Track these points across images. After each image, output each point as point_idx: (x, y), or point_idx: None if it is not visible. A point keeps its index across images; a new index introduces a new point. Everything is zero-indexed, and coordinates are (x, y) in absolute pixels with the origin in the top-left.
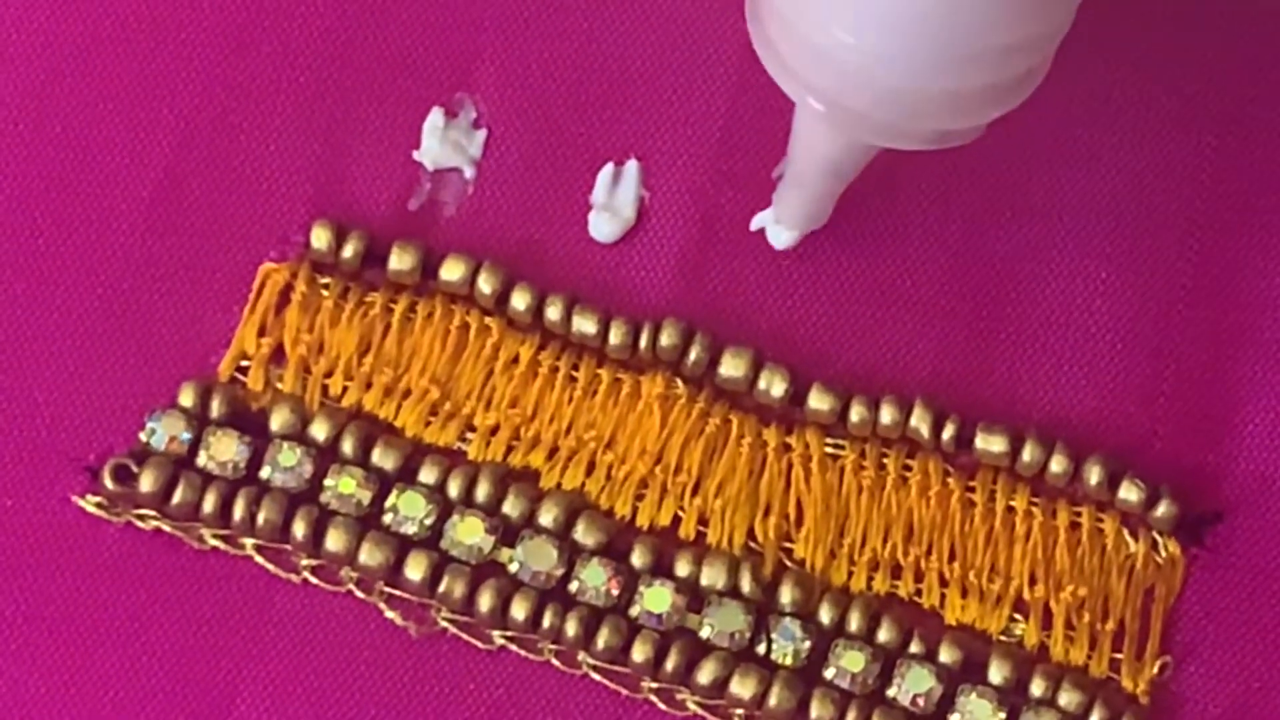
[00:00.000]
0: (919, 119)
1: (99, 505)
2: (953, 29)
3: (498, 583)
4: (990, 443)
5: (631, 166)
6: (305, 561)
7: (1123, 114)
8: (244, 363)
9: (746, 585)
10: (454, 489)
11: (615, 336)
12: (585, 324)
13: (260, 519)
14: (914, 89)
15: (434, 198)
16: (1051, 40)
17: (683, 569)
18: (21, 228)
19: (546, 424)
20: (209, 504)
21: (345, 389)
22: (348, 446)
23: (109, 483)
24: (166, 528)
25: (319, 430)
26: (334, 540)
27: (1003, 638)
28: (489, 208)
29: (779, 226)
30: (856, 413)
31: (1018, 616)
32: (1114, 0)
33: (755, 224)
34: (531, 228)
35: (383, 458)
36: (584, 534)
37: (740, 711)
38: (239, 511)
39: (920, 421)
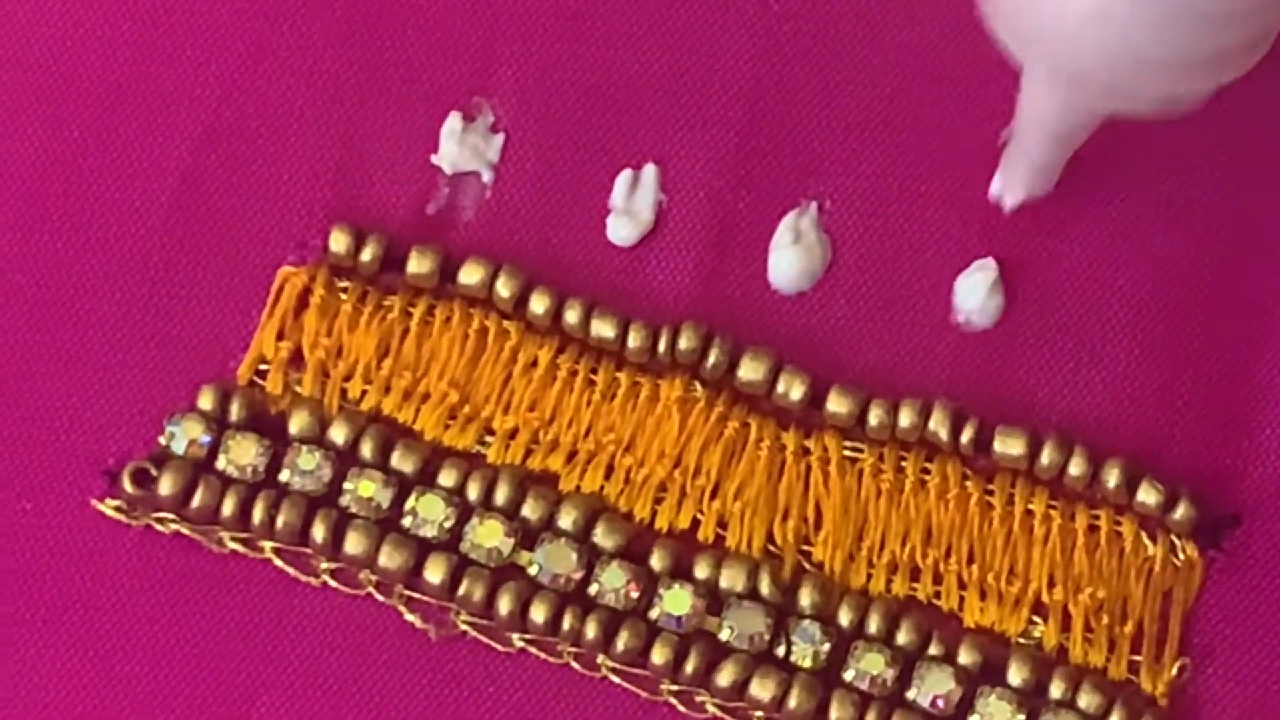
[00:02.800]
0: (1145, 82)
1: (118, 509)
2: None
3: (517, 585)
4: (1009, 445)
5: (649, 170)
6: (325, 564)
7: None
8: (263, 366)
9: (766, 588)
10: (473, 492)
11: (634, 340)
12: (604, 328)
13: (280, 522)
14: (1141, 49)
15: (452, 202)
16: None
17: (702, 572)
18: (40, 232)
19: (565, 427)
20: (228, 507)
21: (364, 392)
22: (367, 450)
23: (128, 486)
24: (186, 531)
25: (338, 433)
26: (353, 543)
27: (1022, 640)
28: (507, 211)
29: (1005, 193)
30: (875, 416)
31: (1036, 619)
32: None
33: (991, 191)
34: (549, 231)
35: (402, 461)
36: (603, 537)
37: (759, 714)
38: (258, 515)
39: (939, 425)
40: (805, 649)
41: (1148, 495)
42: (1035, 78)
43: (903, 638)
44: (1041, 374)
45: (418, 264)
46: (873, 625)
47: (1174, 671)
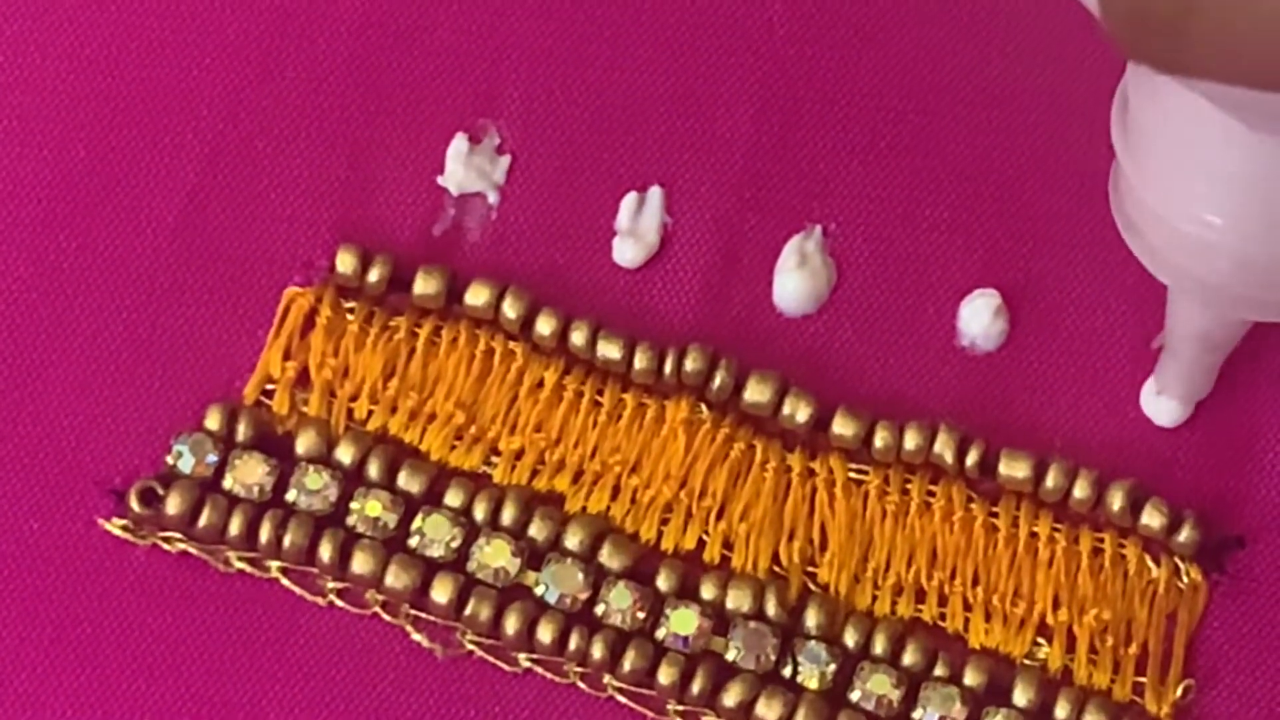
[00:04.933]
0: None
1: (125, 528)
2: None
3: (524, 605)
4: (1013, 469)
5: (655, 192)
6: (331, 584)
7: None
8: (269, 386)
9: (772, 609)
10: (480, 512)
11: (640, 361)
12: (610, 349)
13: (286, 542)
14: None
15: (458, 223)
16: None
17: (708, 592)
18: (46, 252)
19: (571, 448)
20: (235, 527)
21: (370, 413)
22: (373, 470)
23: (135, 505)
24: (192, 550)
25: (345, 453)
26: (360, 563)
27: (1027, 661)
28: (513, 233)
29: (1162, 398)
30: (880, 438)
31: (1041, 640)
32: None
33: (1143, 396)
34: (555, 253)
35: (408, 481)
36: (609, 557)
37: None
38: (265, 534)
39: (944, 447)
40: (812, 669)
41: (1152, 518)
42: (1176, 292)
43: (908, 659)
44: (1046, 398)
45: (424, 285)
46: (878, 646)
47: (1179, 693)
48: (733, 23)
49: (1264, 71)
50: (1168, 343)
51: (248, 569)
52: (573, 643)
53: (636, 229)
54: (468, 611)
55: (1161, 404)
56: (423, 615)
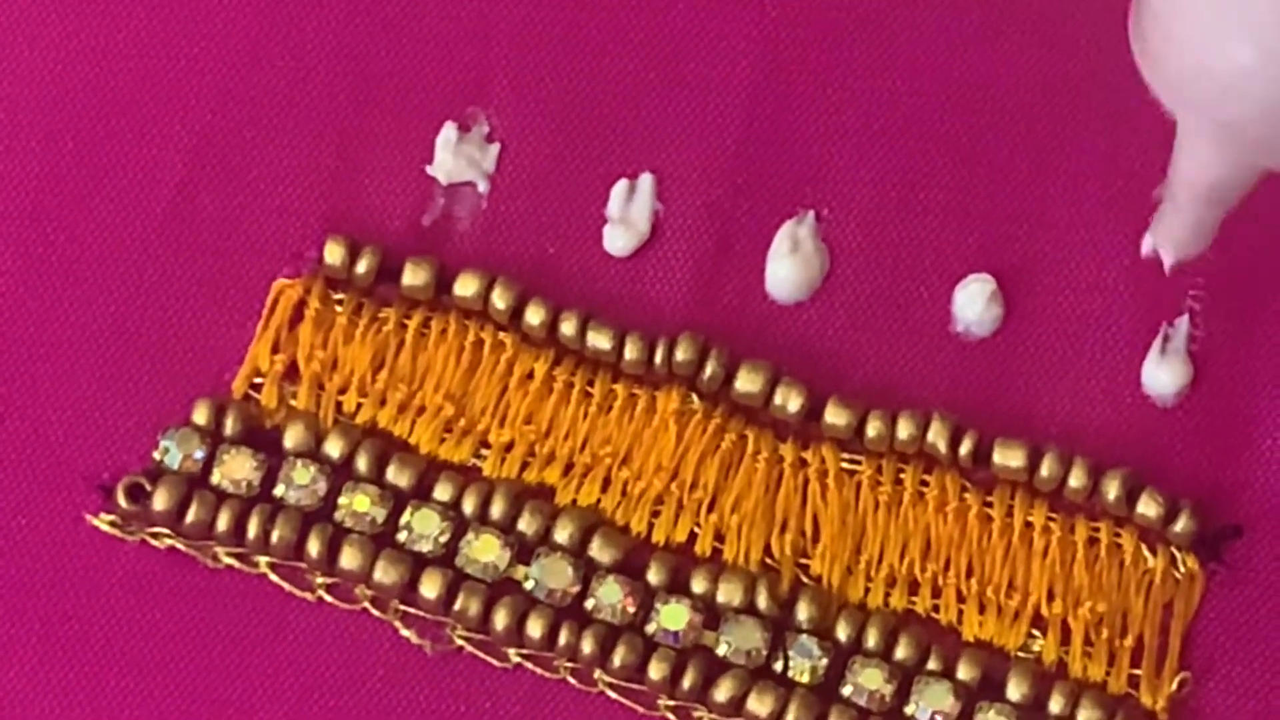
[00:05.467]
0: None
1: (113, 524)
2: None
3: (513, 600)
4: (1008, 457)
5: (645, 180)
6: (320, 580)
7: (1151, 124)
8: (258, 380)
9: (763, 602)
10: (469, 506)
11: (630, 352)
12: (600, 339)
13: (274, 537)
14: None
15: (448, 212)
16: None
17: (699, 586)
18: (34, 244)
19: (561, 440)
20: (223, 522)
21: (359, 406)
22: (362, 464)
23: (123, 501)
24: (180, 546)
25: (333, 447)
26: (349, 558)
27: (1021, 654)
28: (503, 222)
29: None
30: (873, 428)
31: (1036, 633)
32: None
33: (1144, 248)
34: (546, 242)
35: (397, 475)
36: (600, 551)
37: None
38: (253, 530)
39: (937, 436)
40: (803, 664)
41: (1148, 507)
42: (1189, 132)
43: (901, 652)
44: (1041, 384)
45: (413, 276)
46: (871, 639)
47: (1174, 685)
48: (723, 7)
49: None
50: (1170, 191)
51: (236, 565)
52: (563, 638)
53: (627, 217)
54: (457, 607)
55: (1162, 377)
56: (412, 610)
